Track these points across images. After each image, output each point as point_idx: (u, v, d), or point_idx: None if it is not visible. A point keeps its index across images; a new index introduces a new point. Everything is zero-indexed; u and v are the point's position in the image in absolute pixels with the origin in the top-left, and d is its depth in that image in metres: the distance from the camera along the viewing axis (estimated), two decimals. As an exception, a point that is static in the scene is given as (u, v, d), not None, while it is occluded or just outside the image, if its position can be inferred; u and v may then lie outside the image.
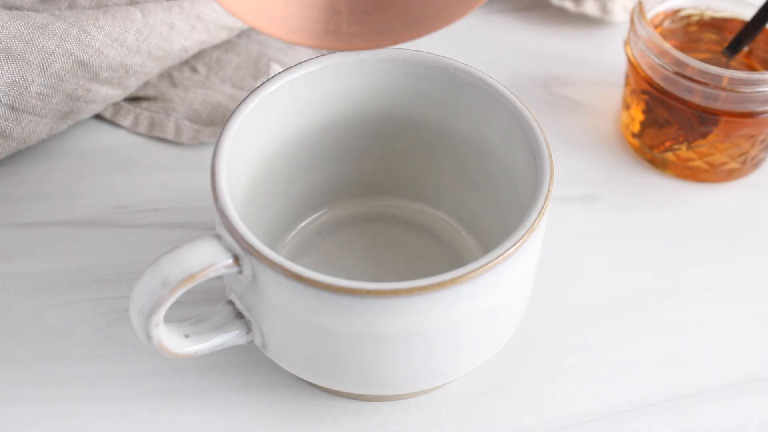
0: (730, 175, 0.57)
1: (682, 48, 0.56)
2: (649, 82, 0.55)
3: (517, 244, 0.41)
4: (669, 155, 0.57)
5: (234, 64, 0.61)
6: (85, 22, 0.54)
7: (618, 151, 0.59)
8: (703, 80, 0.53)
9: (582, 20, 0.66)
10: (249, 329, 0.45)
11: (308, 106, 0.48)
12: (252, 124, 0.46)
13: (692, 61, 0.53)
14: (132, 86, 0.57)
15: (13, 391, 0.47)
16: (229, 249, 0.41)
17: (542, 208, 0.42)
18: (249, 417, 0.47)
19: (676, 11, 0.58)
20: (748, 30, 0.54)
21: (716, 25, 0.58)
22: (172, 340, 0.43)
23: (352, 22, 0.37)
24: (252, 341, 0.45)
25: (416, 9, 0.37)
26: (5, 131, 0.53)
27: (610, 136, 0.59)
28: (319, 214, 0.53)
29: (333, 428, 0.47)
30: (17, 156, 0.57)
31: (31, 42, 0.52)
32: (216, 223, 0.43)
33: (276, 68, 0.59)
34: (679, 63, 0.53)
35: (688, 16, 0.58)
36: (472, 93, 0.47)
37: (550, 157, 0.44)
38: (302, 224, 0.52)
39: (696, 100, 0.54)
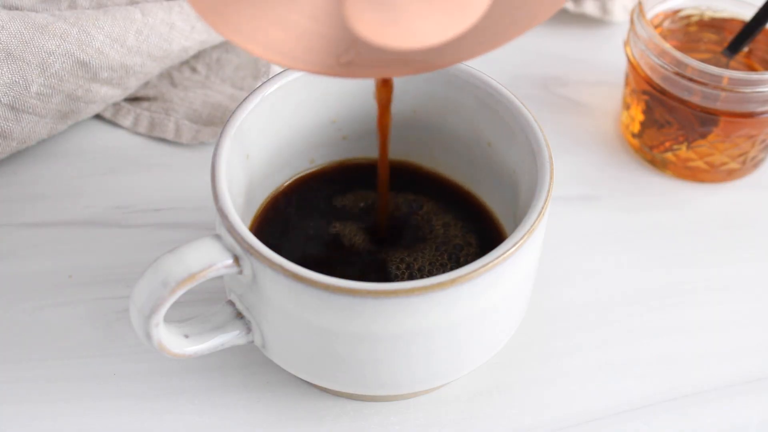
0: (730, 175, 0.57)
1: (682, 48, 0.56)
2: (649, 82, 0.55)
3: (517, 244, 0.41)
4: (669, 155, 0.57)
5: (234, 64, 0.61)
6: (85, 22, 0.54)
7: (618, 151, 0.59)
8: (702, 80, 0.53)
9: (582, 20, 0.66)
10: (249, 329, 0.45)
11: (308, 106, 0.48)
12: (252, 124, 0.46)
13: (692, 62, 0.53)
14: (132, 86, 0.57)
15: (13, 391, 0.47)
16: (229, 249, 0.41)
17: (542, 208, 0.42)
18: (249, 417, 0.47)
19: (676, 11, 0.58)
20: (748, 30, 0.54)
21: (716, 25, 0.58)
22: (172, 340, 0.43)
23: (365, 54, 0.37)
24: (252, 341, 0.45)
25: (435, 48, 0.37)
26: (5, 131, 0.53)
27: (610, 136, 0.59)
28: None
29: (333, 428, 0.47)
30: (17, 156, 0.57)
31: (31, 42, 0.52)
32: (216, 223, 0.43)
33: (276, 68, 0.59)
34: (679, 63, 0.53)
35: (688, 17, 0.58)
36: (472, 93, 0.47)
37: (550, 157, 0.44)
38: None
39: (696, 100, 0.53)
